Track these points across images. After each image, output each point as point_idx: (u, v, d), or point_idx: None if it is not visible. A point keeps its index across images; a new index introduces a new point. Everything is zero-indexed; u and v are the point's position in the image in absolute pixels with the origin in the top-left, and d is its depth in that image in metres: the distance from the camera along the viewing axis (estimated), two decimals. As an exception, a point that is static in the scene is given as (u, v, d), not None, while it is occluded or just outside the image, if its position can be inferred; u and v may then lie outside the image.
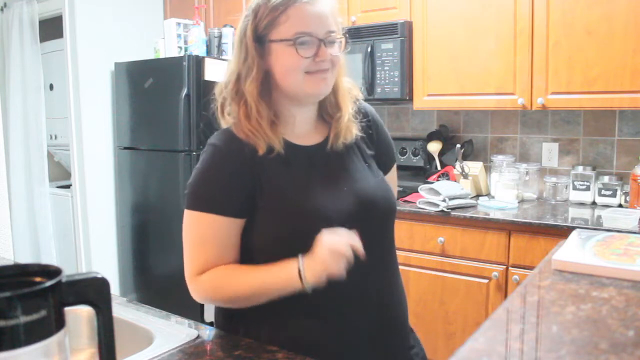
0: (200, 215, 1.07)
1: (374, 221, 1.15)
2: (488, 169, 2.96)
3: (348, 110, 1.16)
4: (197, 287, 1.09)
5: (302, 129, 1.15)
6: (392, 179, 1.29)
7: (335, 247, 0.99)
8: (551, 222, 2.25)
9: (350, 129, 1.16)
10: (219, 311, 1.18)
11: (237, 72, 1.11)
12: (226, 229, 1.07)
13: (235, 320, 1.13)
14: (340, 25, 1.14)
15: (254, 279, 1.06)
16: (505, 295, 2.35)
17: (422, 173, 3.04)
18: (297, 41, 1.05)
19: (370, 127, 1.23)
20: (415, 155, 3.08)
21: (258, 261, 1.09)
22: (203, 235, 1.08)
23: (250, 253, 1.11)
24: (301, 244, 1.06)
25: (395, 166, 1.31)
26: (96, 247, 3.55)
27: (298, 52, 1.05)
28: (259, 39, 1.09)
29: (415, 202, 2.62)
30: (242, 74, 1.10)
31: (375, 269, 1.14)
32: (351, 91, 1.20)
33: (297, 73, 1.07)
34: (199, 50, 3.32)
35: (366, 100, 1.35)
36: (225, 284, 1.07)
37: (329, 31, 1.08)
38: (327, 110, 1.17)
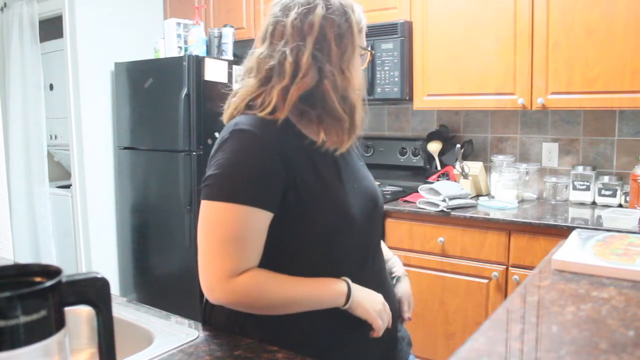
0: (233, 207, 0.98)
1: (378, 216, 1.19)
2: (488, 169, 2.96)
3: None
4: (232, 291, 0.99)
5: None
6: None
7: (388, 310, 1.10)
8: (551, 222, 2.25)
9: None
10: (222, 312, 1.12)
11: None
12: (261, 224, 1.00)
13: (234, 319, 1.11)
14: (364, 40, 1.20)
15: (301, 289, 1.04)
16: (505, 295, 2.35)
17: (422, 173, 3.04)
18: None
19: None
20: (415, 155, 3.08)
21: (283, 261, 1.06)
22: (236, 230, 0.98)
23: (278, 253, 1.06)
24: (331, 242, 1.07)
25: None
26: (96, 247, 3.55)
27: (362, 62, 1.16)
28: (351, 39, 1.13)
29: (415, 202, 2.62)
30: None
31: (373, 264, 1.17)
32: None
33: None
34: (199, 50, 3.33)
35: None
36: (269, 290, 1.01)
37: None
38: None
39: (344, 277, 1.06)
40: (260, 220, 1.00)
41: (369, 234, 1.14)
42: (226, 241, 0.98)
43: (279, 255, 1.06)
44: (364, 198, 1.13)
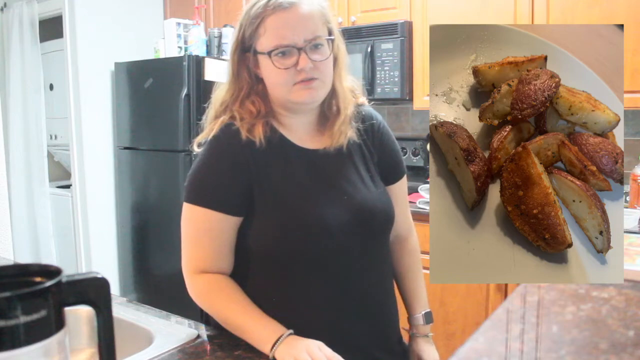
0: (196, 209, 1.06)
1: (371, 232, 1.13)
2: (488, 169, 2.95)
3: (346, 113, 1.12)
4: (192, 286, 1.09)
5: (304, 133, 1.13)
6: (400, 191, 1.25)
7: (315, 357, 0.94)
8: (551, 222, 2.25)
9: (344, 132, 1.11)
10: None
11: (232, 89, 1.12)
12: (220, 226, 1.06)
13: None
14: (332, 24, 1.09)
15: (237, 318, 1.04)
16: (505, 295, 2.35)
17: (422, 173, 3.04)
18: (273, 54, 1.03)
19: (374, 130, 1.19)
20: (415, 155, 3.08)
21: (251, 266, 1.08)
22: (198, 230, 1.07)
23: (245, 256, 1.09)
24: (296, 251, 1.05)
25: (404, 179, 1.26)
26: (96, 247, 3.55)
27: (275, 65, 1.03)
28: (250, 49, 1.07)
29: (415, 202, 2.61)
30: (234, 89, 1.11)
31: (369, 276, 1.14)
32: (354, 92, 1.17)
33: (281, 85, 1.05)
34: (199, 50, 3.33)
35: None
36: (213, 301, 1.07)
37: (313, 37, 1.03)
38: (326, 115, 1.13)
39: (290, 330, 1.00)
40: (216, 221, 1.05)
41: (349, 247, 1.09)
42: (188, 239, 1.10)
43: (247, 261, 1.09)
44: (352, 210, 1.08)
